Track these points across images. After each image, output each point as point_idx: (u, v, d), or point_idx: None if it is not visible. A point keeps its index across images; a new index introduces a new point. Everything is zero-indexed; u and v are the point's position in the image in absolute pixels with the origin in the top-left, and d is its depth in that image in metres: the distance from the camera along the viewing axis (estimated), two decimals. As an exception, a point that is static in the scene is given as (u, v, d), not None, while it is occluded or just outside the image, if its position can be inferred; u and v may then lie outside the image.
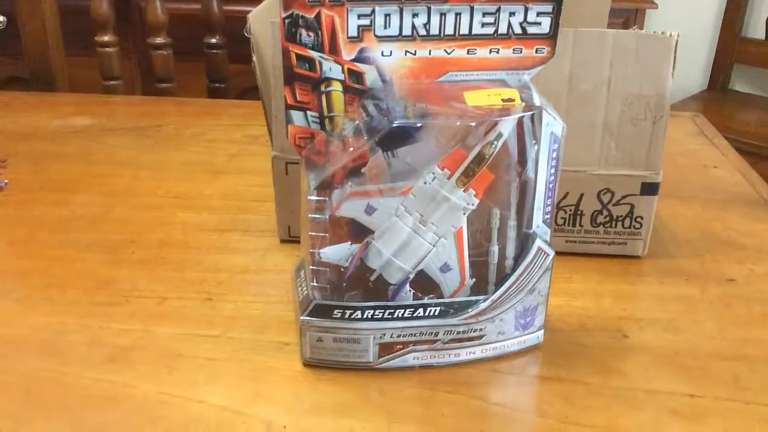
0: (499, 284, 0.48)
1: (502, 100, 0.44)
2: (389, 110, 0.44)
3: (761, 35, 2.09)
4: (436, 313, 0.47)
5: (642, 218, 0.60)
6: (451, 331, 0.47)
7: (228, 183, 0.75)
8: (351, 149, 0.45)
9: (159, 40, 1.09)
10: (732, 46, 2.11)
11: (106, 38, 1.07)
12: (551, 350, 0.50)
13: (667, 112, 0.57)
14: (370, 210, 0.46)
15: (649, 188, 0.59)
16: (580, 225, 0.61)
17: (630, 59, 0.56)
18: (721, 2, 2.12)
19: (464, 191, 0.45)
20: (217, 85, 1.13)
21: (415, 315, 0.46)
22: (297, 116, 0.45)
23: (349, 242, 0.46)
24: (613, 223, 0.60)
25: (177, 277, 0.57)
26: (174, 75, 1.12)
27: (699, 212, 0.70)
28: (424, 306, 0.47)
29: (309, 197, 0.44)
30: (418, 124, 0.43)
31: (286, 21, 0.42)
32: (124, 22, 1.67)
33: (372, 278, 0.47)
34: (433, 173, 0.45)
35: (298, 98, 0.45)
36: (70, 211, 0.68)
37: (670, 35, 0.56)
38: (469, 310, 0.47)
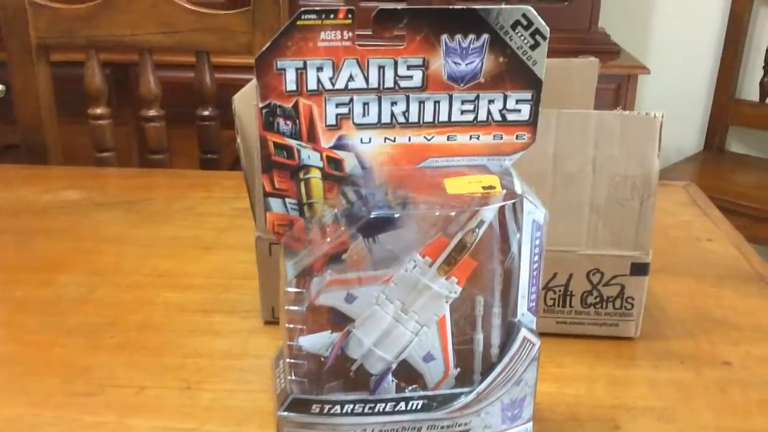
0: (485, 374, 0.46)
1: (483, 187, 0.43)
2: (369, 197, 0.43)
3: (755, 97, 2.11)
4: (419, 407, 0.45)
5: (633, 299, 0.59)
6: (435, 426, 0.45)
7: (214, 259, 0.74)
8: (330, 237, 0.44)
9: (152, 112, 1.09)
10: (726, 107, 2.13)
11: (98, 111, 1.08)
12: (540, 443, 0.48)
13: (654, 191, 0.56)
14: (350, 298, 0.45)
15: (639, 268, 0.58)
16: (570, 306, 0.59)
17: (615, 140, 0.56)
18: (715, 65, 2.15)
19: (446, 279, 0.44)
20: (209, 156, 1.14)
21: (396, 409, 0.45)
22: (275, 203, 0.44)
23: (330, 331, 0.45)
24: (604, 303, 0.59)
25: (156, 364, 0.56)
26: (167, 146, 1.13)
27: (692, 289, 0.69)
28: (406, 399, 0.45)
29: (287, 289, 0.43)
30: (398, 214, 0.42)
31: (264, 110, 0.42)
32: (122, 90, 1.69)
33: (353, 368, 0.46)
34: (414, 261, 0.44)
35: (277, 186, 0.44)
36: (54, 292, 0.67)
37: (654, 116, 0.55)
38: (454, 403, 0.45)
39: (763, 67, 2.08)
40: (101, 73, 1.08)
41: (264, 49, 0.39)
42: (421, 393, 0.45)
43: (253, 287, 0.63)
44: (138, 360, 0.57)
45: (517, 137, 0.44)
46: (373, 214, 0.41)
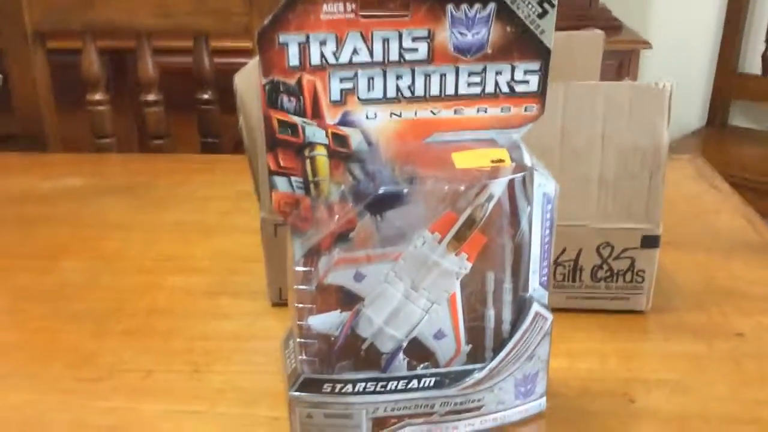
0: (496, 350, 0.46)
1: (491, 161, 0.43)
2: (376, 174, 0.43)
3: (758, 70, 2.10)
4: (431, 384, 0.45)
5: (644, 272, 0.58)
6: (448, 402, 0.45)
7: (219, 243, 0.73)
8: (337, 215, 0.43)
9: (150, 97, 1.08)
10: (729, 82, 2.12)
11: (97, 96, 1.07)
12: (555, 418, 0.48)
13: (664, 164, 0.56)
14: (359, 277, 0.44)
15: (650, 241, 0.58)
16: (581, 280, 0.59)
17: (623, 112, 0.55)
18: (716, 39, 2.13)
19: (456, 255, 0.43)
20: (210, 140, 1.13)
21: (409, 387, 0.44)
22: (281, 182, 0.44)
23: (339, 310, 0.44)
24: (614, 277, 0.59)
25: (163, 348, 0.56)
26: (168, 131, 1.12)
27: (702, 261, 0.69)
28: (419, 377, 0.45)
29: (295, 268, 0.42)
30: (406, 190, 0.42)
31: (267, 87, 0.41)
32: (120, 76, 1.68)
33: (363, 347, 0.45)
34: (423, 238, 0.43)
35: (282, 164, 0.43)
36: (57, 278, 0.67)
37: (663, 86, 0.54)
38: (466, 379, 0.45)
39: (765, 41, 2.06)
40: (98, 59, 1.07)
41: (265, 23, 0.39)
42: (434, 370, 0.45)
43: (259, 269, 0.63)
44: (145, 344, 0.56)
45: (525, 109, 0.43)
46: (380, 191, 0.41)
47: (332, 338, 0.45)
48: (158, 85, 1.10)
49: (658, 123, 0.55)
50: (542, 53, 0.42)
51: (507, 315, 0.46)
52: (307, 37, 0.39)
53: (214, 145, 1.13)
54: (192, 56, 1.10)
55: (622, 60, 1.75)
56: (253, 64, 0.62)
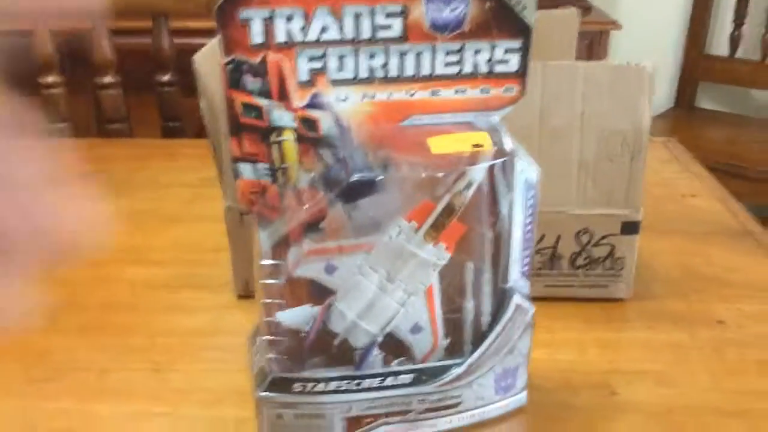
0: (476, 343, 0.44)
1: (471, 145, 0.40)
2: (348, 159, 0.40)
3: (725, 52, 2.10)
4: (408, 381, 0.42)
5: (623, 259, 0.57)
6: (425, 400, 0.43)
7: (181, 232, 0.70)
8: (307, 203, 0.41)
9: (107, 79, 1.04)
10: (697, 63, 2.12)
11: (50, 79, 1.02)
12: (536, 413, 0.46)
13: (646, 147, 0.54)
14: (330, 269, 0.42)
15: (630, 227, 0.56)
16: (559, 268, 0.57)
17: (603, 93, 0.53)
18: (685, 20, 2.13)
19: (433, 245, 0.41)
20: (171, 124, 1.09)
21: (384, 384, 0.42)
22: (246, 169, 0.41)
23: (310, 304, 0.42)
24: (593, 265, 0.57)
25: (121, 345, 0.53)
26: (125, 115, 1.08)
27: (680, 246, 0.68)
28: (395, 373, 0.42)
29: (262, 261, 0.40)
30: (380, 177, 0.39)
31: (228, 67, 0.38)
32: (76, 57, 1.62)
33: (336, 343, 0.43)
34: (399, 227, 0.41)
35: (247, 149, 0.41)
36: (7, 271, 0.63)
37: (644, 66, 0.53)
38: (444, 376, 0.43)
39: (734, 21, 2.07)
40: (51, 40, 1.03)
41: None
42: (410, 366, 0.43)
43: (223, 260, 0.60)
44: (101, 341, 0.53)
45: (505, 90, 0.41)
46: (354, 178, 0.38)
47: (302, 334, 0.42)
48: (116, 67, 1.06)
49: (640, 104, 0.53)
50: (523, 31, 0.40)
51: (486, 307, 0.44)
52: (272, 12, 0.37)
53: (176, 129, 1.10)
54: (151, 37, 1.06)
55: (592, 40, 1.74)
56: (215, 43, 0.58)
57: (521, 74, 0.41)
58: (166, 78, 1.06)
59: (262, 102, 0.39)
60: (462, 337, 0.44)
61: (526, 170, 0.41)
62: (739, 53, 2.07)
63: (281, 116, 0.40)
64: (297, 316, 0.42)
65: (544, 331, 0.54)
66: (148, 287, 0.60)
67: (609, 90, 0.53)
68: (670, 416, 0.46)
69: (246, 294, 0.58)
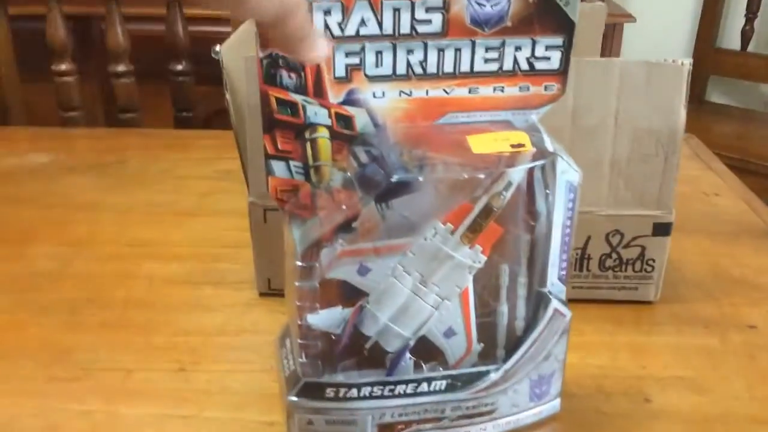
0: (509, 348, 0.43)
1: (511, 145, 0.39)
2: (383, 158, 0.39)
3: (736, 46, 2.08)
4: (442, 387, 0.41)
5: (654, 261, 0.56)
6: (460, 406, 0.42)
7: (199, 227, 0.69)
8: (341, 203, 0.39)
9: (121, 67, 1.02)
10: (707, 57, 2.10)
11: (63, 67, 1.01)
12: (569, 421, 0.45)
13: (680, 146, 0.53)
14: (363, 270, 0.41)
15: (662, 229, 0.55)
16: (588, 270, 0.56)
17: (639, 91, 0.51)
18: (697, 13, 2.11)
19: (470, 248, 0.40)
20: (184, 114, 1.07)
21: (418, 391, 0.41)
22: (278, 167, 0.40)
23: (341, 306, 0.41)
24: (623, 266, 0.56)
25: (144, 343, 0.52)
26: (138, 104, 1.06)
27: (707, 247, 0.66)
28: (428, 380, 0.41)
29: (296, 263, 0.39)
30: (420, 178, 0.38)
31: (264, 62, 0.37)
32: (85, 44, 1.60)
33: (367, 346, 0.42)
34: (435, 229, 0.39)
35: (280, 147, 0.39)
36: (25, 265, 0.62)
37: (682, 63, 0.51)
38: (479, 382, 0.42)
39: (745, 15, 2.05)
40: (64, 26, 1.01)
41: None
42: (444, 372, 0.42)
43: (243, 256, 0.59)
44: (125, 340, 0.52)
45: (545, 88, 0.40)
46: (394, 179, 0.37)
47: (333, 336, 0.41)
48: (129, 55, 1.04)
49: (676, 103, 0.52)
50: (566, 27, 0.39)
51: (521, 311, 0.42)
52: (310, 6, 0.35)
53: (189, 119, 1.08)
54: (165, 24, 1.04)
55: (605, 33, 1.72)
56: (240, 33, 0.57)
57: (563, 72, 0.40)
58: (179, 67, 1.05)
59: (297, 98, 0.38)
60: (495, 341, 0.43)
61: (567, 172, 0.40)
62: (751, 47, 2.05)
63: (316, 113, 0.38)
64: (328, 318, 0.41)
65: (575, 333, 0.52)
66: (168, 283, 0.59)
67: (645, 88, 0.52)
68: (705, 425, 0.45)
69: (268, 292, 0.57)
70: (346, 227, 0.39)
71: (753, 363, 0.51)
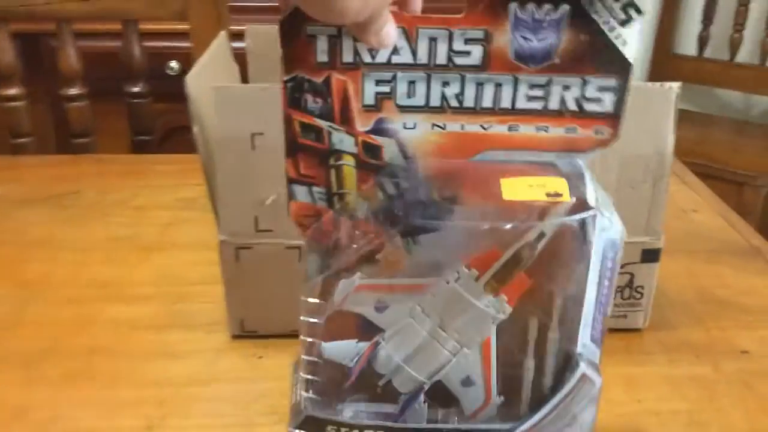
0: (533, 404, 0.39)
1: (547, 194, 0.35)
2: (411, 192, 0.36)
3: (693, 51, 2.11)
4: (453, 441, 0.38)
5: (642, 288, 0.53)
6: (472, 464, 0.38)
7: (163, 262, 0.63)
8: (362, 235, 0.37)
9: (73, 90, 0.96)
10: (665, 62, 2.12)
11: (12, 91, 0.94)
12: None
13: (668, 171, 0.51)
14: (381, 307, 0.36)
15: (650, 255, 0.52)
16: (577, 299, 0.54)
17: (626, 116, 0.50)
18: (654, 19, 2.13)
19: (494, 296, 0.37)
20: (141, 137, 1.03)
21: (427, 440, 0.38)
22: (300, 191, 0.35)
23: (356, 340, 0.37)
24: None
25: (108, 398, 0.45)
26: (92, 128, 1.01)
27: (688, 266, 0.64)
28: (439, 431, 0.38)
29: (308, 299, 0.36)
30: (441, 223, 0.35)
31: (289, 85, 0.34)
32: (32, 62, 1.53)
33: (381, 384, 0.39)
34: (458, 273, 0.35)
35: (302, 171, 0.36)
36: (-28, 311, 0.57)
37: (670, 87, 0.50)
38: (494, 441, 0.38)
39: (702, 21, 2.08)
40: (12, 48, 0.96)
41: (289, 10, 0.31)
42: (457, 426, 0.38)
43: (212, 294, 0.54)
44: (87, 394, 0.45)
45: (595, 132, 0.35)
46: (414, 221, 0.34)
47: (346, 369, 0.38)
48: (81, 77, 1.00)
49: (664, 127, 0.50)
50: (621, 68, 0.33)
51: (550, 367, 0.38)
52: (339, 30, 0.32)
53: (146, 143, 1.03)
54: (121, 41, 1.00)
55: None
56: (205, 61, 0.53)
57: (616, 116, 0.35)
58: (136, 89, 1.00)
59: (322, 124, 0.34)
60: (519, 396, 0.38)
61: (609, 229, 0.34)
62: (707, 53, 2.07)
63: (342, 140, 0.34)
64: (342, 349, 0.37)
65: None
66: (133, 328, 0.53)
67: (631, 112, 0.50)
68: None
69: (242, 334, 0.52)
70: (369, 258, 0.36)
71: (749, 392, 0.48)
